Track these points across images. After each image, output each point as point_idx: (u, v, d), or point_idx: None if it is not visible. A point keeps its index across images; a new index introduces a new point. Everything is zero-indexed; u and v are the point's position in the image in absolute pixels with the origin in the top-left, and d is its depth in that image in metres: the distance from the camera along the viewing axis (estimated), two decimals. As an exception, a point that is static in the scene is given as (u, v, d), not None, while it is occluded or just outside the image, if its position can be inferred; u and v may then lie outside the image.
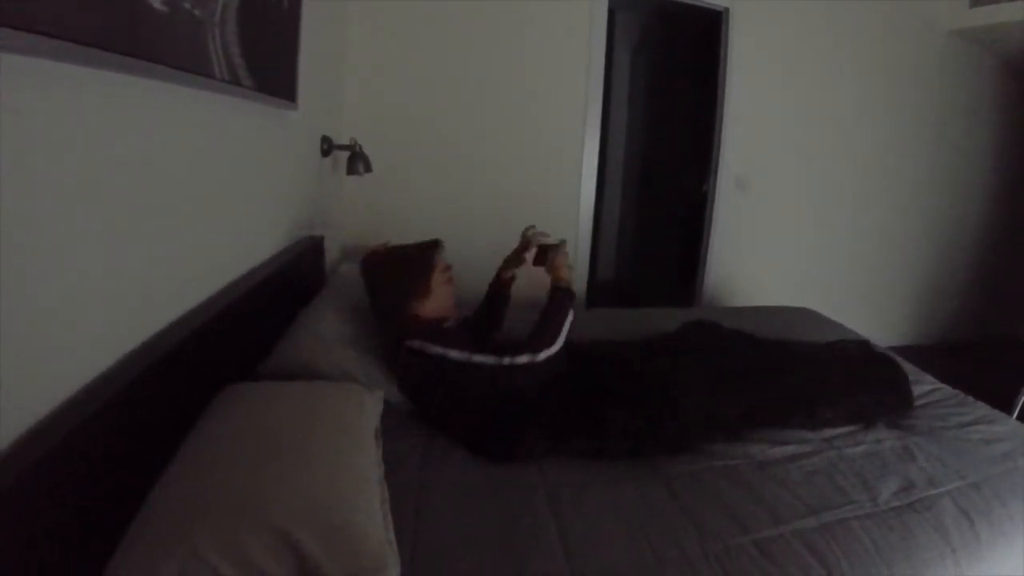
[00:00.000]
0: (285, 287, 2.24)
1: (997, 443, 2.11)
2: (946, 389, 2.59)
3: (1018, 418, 2.68)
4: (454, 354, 1.93)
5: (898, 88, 4.95)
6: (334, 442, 1.39)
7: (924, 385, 2.60)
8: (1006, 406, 2.59)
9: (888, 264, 5.32)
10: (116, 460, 1.16)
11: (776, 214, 4.70)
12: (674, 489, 1.72)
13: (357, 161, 2.98)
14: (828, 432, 2.11)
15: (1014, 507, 1.77)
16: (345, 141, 3.01)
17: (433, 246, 2.21)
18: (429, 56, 3.55)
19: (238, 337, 1.79)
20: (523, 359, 1.95)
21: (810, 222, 4.86)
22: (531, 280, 2.56)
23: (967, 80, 5.25)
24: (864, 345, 2.78)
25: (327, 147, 2.94)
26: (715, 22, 4.36)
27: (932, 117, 5.16)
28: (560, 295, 2.20)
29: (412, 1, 3.45)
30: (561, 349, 2.06)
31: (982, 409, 2.40)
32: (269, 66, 2.00)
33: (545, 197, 3.97)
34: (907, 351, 3.37)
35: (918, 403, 2.42)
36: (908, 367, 2.77)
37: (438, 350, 1.93)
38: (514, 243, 3.65)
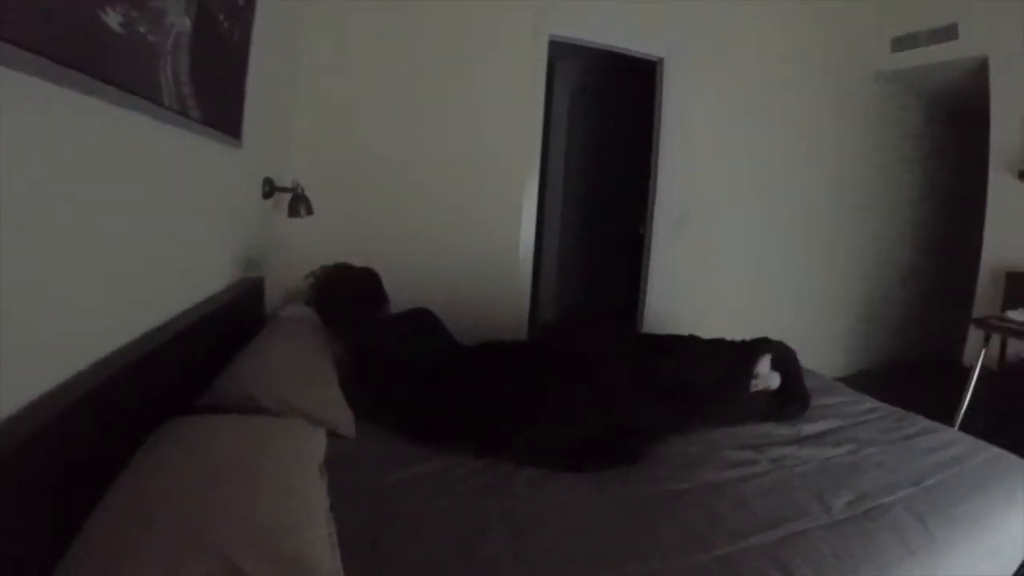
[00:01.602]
0: (224, 327, 2.16)
1: (944, 449, 2.20)
2: (886, 407, 2.70)
3: (959, 429, 2.80)
4: None
5: (830, 127, 5.23)
6: (280, 473, 1.35)
7: (864, 404, 2.72)
8: (947, 422, 2.71)
9: (826, 296, 5.52)
10: (41, 497, 1.07)
11: (716, 253, 4.83)
12: (631, 511, 1.72)
13: (299, 204, 2.95)
14: (776, 452, 2.17)
15: (967, 506, 1.83)
16: (287, 183, 2.99)
17: None
18: (374, 103, 3.54)
19: (172, 376, 1.71)
20: None
21: (749, 259, 5.01)
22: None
23: (894, 118, 5.67)
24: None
25: (269, 188, 2.89)
26: (651, 71, 4.52)
27: (863, 154, 5.48)
28: None
29: (359, 48, 3.46)
30: None
31: (924, 422, 2.51)
32: (216, 100, 1.96)
33: (487, 243, 3.97)
34: (850, 379, 3.49)
35: (861, 420, 2.54)
36: (847, 391, 2.92)
37: None
38: (457, 287, 3.70)
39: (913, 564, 1.56)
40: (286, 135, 3.28)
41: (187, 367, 1.81)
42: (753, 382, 2.53)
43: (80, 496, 1.13)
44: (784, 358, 2.70)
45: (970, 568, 1.67)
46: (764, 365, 2.57)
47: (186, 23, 1.61)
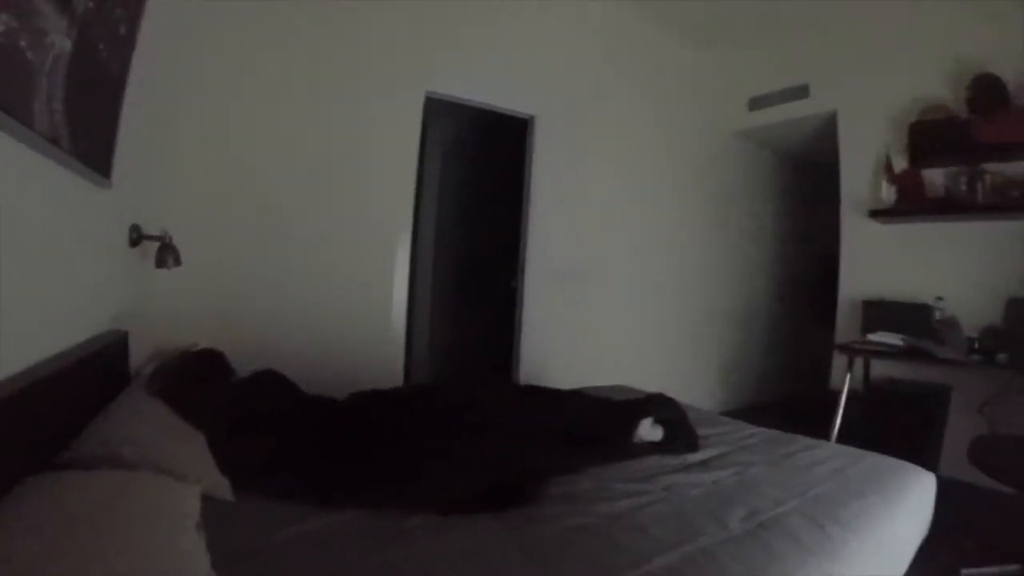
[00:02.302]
0: (82, 384, 1.97)
1: (826, 462, 2.33)
2: (765, 431, 2.84)
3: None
4: None
5: (694, 183, 5.63)
6: (153, 526, 1.26)
7: (745, 430, 2.85)
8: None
9: (700, 342, 5.80)
10: None
11: (591, 306, 4.95)
12: (533, 550, 1.67)
13: (167, 253, 2.81)
14: (666, 481, 2.21)
15: (856, 507, 1.94)
16: (155, 231, 2.84)
17: None
18: (246, 154, 3.43)
19: (17, 436, 1.47)
20: None
21: (623, 311, 5.18)
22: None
23: (753, 171, 6.25)
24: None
25: (136, 236, 2.74)
26: (522, 129, 4.66)
27: (725, 206, 5.93)
28: None
29: (233, 98, 3.36)
30: None
31: (803, 440, 2.66)
32: (89, 134, 1.83)
33: (360, 301, 3.90)
34: (728, 415, 3.64)
35: (743, 445, 2.65)
36: (727, 420, 3.07)
37: None
38: (330, 346, 3.59)
39: (814, 564, 1.61)
40: (155, 180, 3.12)
41: (37, 426, 1.64)
42: (634, 440, 2.59)
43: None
44: (669, 413, 2.77)
45: (866, 562, 1.75)
46: (644, 426, 2.62)
47: (66, 45, 1.50)
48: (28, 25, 1.27)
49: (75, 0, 1.52)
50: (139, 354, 2.79)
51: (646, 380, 3.82)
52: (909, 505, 2.13)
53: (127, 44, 2.11)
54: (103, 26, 1.80)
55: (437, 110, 4.63)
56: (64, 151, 1.62)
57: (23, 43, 1.25)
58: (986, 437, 2.91)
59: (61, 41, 1.47)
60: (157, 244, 2.82)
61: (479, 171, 5.95)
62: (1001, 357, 3.42)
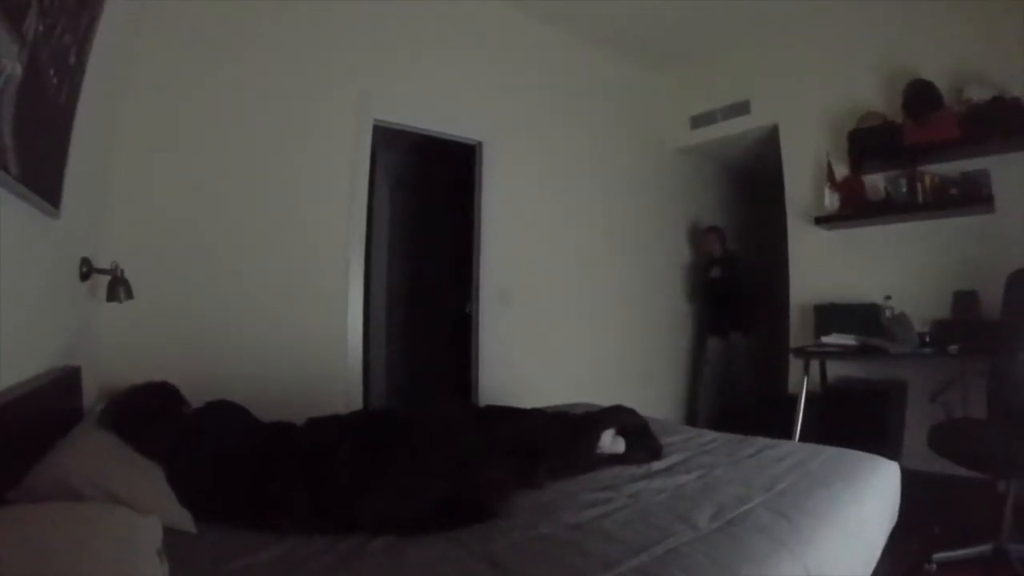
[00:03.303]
0: (32, 419, 1.91)
1: (788, 458, 2.38)
2: (725, 435, 2.89)
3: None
4: None
5: (640, 201, 5.74)
6: (115, 555, 1.23)
7: (705, 436, 2.90)
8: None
9: (652, 355, 5.87)
10: None
11: (545, 326, 4.97)
12: (499, 561, 1.63)
13: (118, 287, 2.75)
14: (631, 488, 2.21)
15: (822, 497, 1.98)
16: (106, 264, 2.79)
17: None
18: (196, 185, 3.37)
19: None
20: None
21: (576, 329, 5.21)
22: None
23: (699, 187, 6.43)
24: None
25: (87, 270, 2.68)
26: (470, 156, 4.70)
27: (671, 221, 6.08)
28: None
29: (182, 128, 3.32)
30: None
31: (763, 440, 2.71)
32: (38, 161, 1.78)
33: (315, 331, 3.85)
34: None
35: (705, 449, 2.68)
36: (687, 428, 3.14)
37: None
38: (286, 377, 3.55)
39: (785, 553, 1.62)
40: (105, 212, 3.07)
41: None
42: (597, 452, 2.59)
43: None
44: (630, 422, 2.79)
45: (837, 548, 1.78)
46: (606, 438, 2.63)
47: (17, 69, 1.47)
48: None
49: (26, 24, 1.49)
50: (92, 390, 2.72)
51: (606, 398, 3.84)
52: (874, 491, 2.18)
53: (76, 74, 2.06)
54: (53, 52, 1.76)
55: (385, 137, 4.64)
56: (13, 177, 1.58)
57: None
58: (944, 423, 3.00)
59: (12, 65, 1.44)
60: (107, 278, 2.76)
61: (430, 197, 5.99)
62: (952, 348, 3.53)
